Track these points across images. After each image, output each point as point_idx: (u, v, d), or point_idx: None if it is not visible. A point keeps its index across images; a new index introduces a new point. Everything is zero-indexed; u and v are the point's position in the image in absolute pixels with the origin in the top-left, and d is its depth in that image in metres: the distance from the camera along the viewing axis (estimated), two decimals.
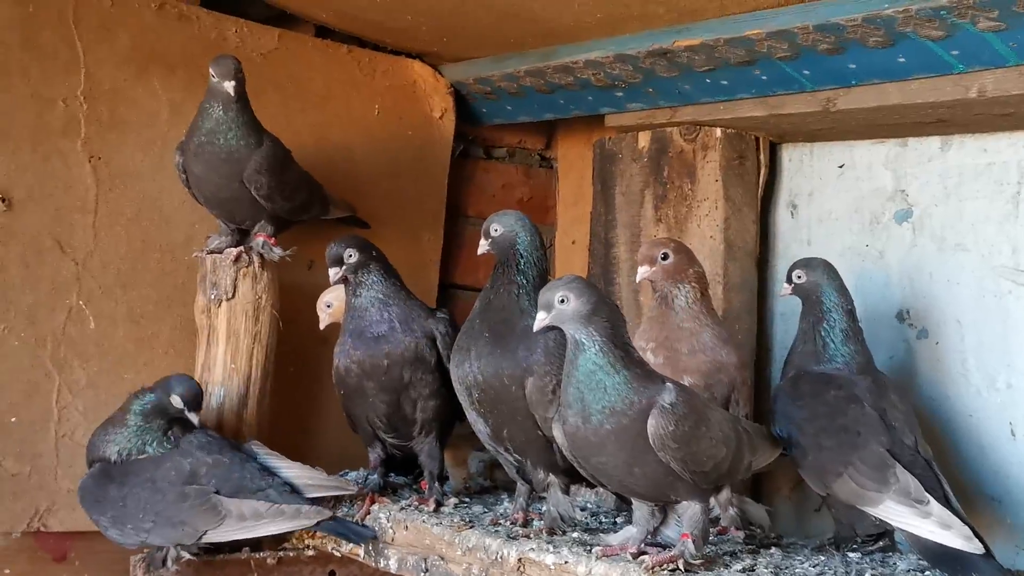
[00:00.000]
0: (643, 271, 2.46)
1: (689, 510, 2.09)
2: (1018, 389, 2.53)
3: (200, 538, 2.49)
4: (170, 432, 2.57)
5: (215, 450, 2.58)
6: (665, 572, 1.99)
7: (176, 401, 2.53)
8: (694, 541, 2.04)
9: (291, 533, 2.67)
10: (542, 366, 2.26)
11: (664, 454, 2.01)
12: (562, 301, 2.02)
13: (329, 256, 2.57)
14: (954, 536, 2.08)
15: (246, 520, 2.49)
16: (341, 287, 2.66)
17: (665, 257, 2.45)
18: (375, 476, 2.67)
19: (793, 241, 2.97)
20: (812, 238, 2.93)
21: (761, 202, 2.98)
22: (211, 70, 2.63)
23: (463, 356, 2.33)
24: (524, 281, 2.33)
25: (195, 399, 2.55)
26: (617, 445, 2.02)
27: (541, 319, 2.04)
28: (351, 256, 2.57)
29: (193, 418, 2.55)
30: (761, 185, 2.97)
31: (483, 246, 2.38)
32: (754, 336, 2.93)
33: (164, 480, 2.52)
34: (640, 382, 2.04)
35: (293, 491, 2.55)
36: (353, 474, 2.77)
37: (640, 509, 2.15)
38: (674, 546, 2.06)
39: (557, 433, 2.12)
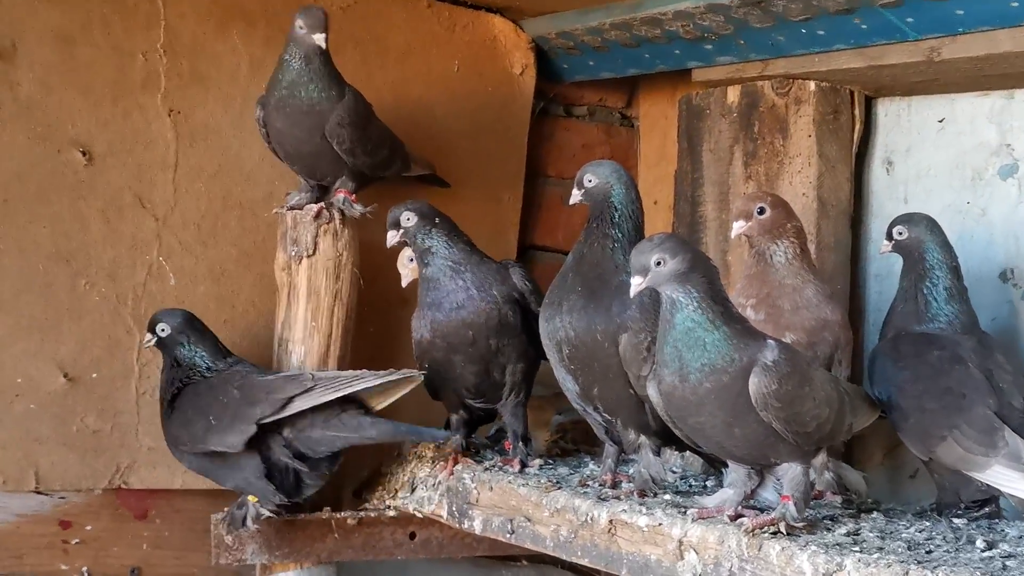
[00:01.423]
0: (739, 226, 2.38)
1: (790, 472, 2.01)
2: None
3: (286, 404, 2.45)
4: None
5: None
6: (766, 535, 1.91)
7: None
8: (795, 504, 1.97)
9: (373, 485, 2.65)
10: (637, 322, 2.19)
11: (766, 414, 1.93)
12: (658, 264, 1.94)
13: (388, 219, 2.54)
14: None
15: (337, 379, 2.48)
16: None
17: (762, 211, 2.37)
18: (458, 436, 2.63)
19: (889, 199, 2.86)
20: (909, 196, 2.82)
21: (855, 159, 2.88)
22: (298, 20, 2.58)
23: (554, 311, 2.26)
24: (619, 235, 2.25)
25: None
26: (716, 404, 1.95)
27: (637, 284, 1.96)
28: (409, 219, 2.52)
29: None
30: (856, 141, 2.86)
31: (575, 196, 2.31)
32: (847, 297, 2.84)
33: (238, 376, 2.54)
34: (741, 339, 1.96)
35: None
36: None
37: (737, 471, 2.08)
38: (774, 508, 1.99)
39: (652, 393, 2.06)
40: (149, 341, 2.59)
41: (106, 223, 2.77)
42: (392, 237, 2.54)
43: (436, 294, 2.54)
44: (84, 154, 2.75)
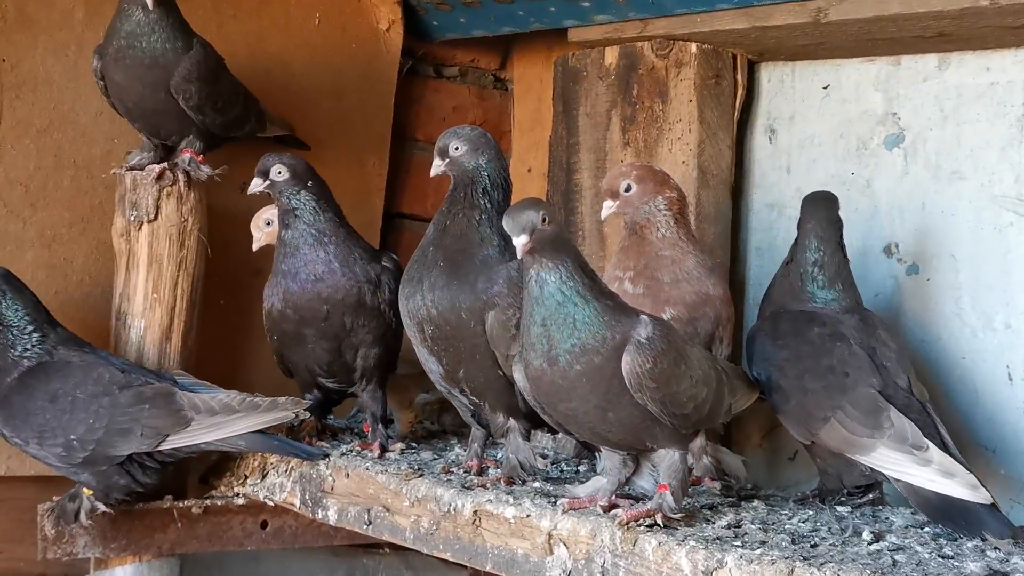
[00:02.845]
0: (608, 206, 2.26)
1: (667, 459, 1.88)
2: (1017, 330, 2.35)
3: (161, 443, 2.28)
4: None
5: (125, 362, 2.42)
6: (641, 528, 1.78)
7: None
8: (672, 493, 1.83)
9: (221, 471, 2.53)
10: (505, 298, 2.04)
11: (641, 395, 1.80)
12: (544, 221, 1.78)
13: (258, 167, 2.37)
14: (958, 485, 1.90)
15: (217, 415, 2.30)
16: None
17: (628, 188, 2.25)
18: (310, 419, 2.46)
19: (771, 169, 2.76)
20: (792, 165, 2.72)
21: (737, 126, 2.77)
22: None
23: (414, 288, 2.10)
24: (488, 205, 2.10)
25: None
26: (588, 388, 1.82)
27: (523, 243, 1.78)
28: (280, 173, 2.36)
29: None
30: (738, 108, 2.75)
31: (439, 167, 2.12)
32: (727, 271, 2.72)
33: (101, 382, 2.30)
34: (613, 315, 1.83)
35: None
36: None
37: (611, 458, 1.94)
38: (650, 498, 1.85)
39: (519, 378, 1.92)
40: None
41: None
42: (256, 185, 2.37)
43: (293, 261, 2.38)
44: None
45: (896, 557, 1.71)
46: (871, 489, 2.13)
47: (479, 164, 2.11)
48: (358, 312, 2.37)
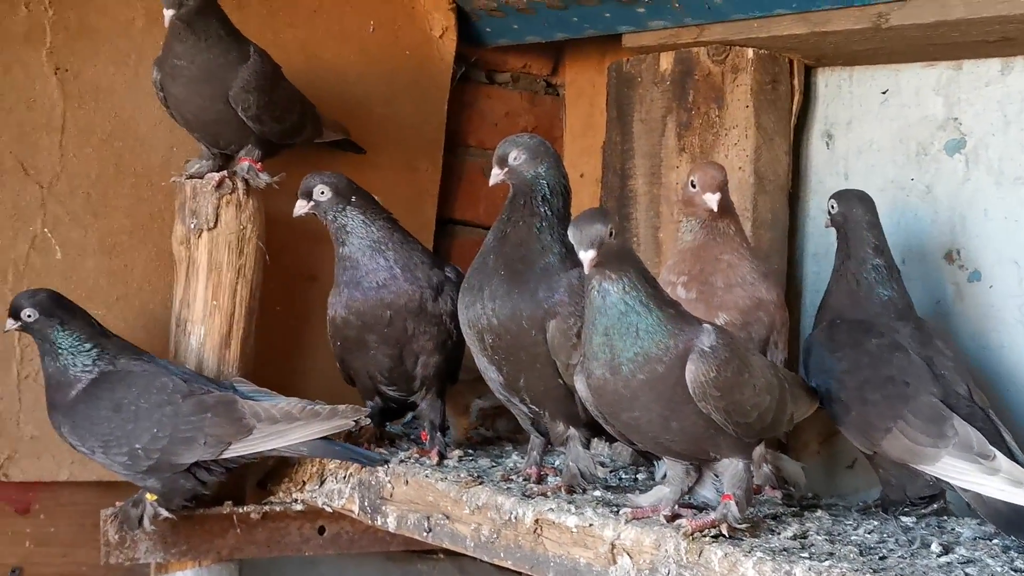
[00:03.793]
0: (713, 198, 2.21)
1: (730, 468, 1.88)
2: None
3: (224, 451, 2.32)
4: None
5: (185, 370, 2.46)
6: (707, 538, 1.78)
7: None
8: (737, 503, 1.83)
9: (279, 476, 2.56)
10: (566, 306, 2.04)
11: (705, 404, 1.80)
12: (611, 234, 1.79)
13: (301, 188, 2.41)
14: None
15: (278, 423, 2.33)
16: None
17: (726, 183, 2.24)
18: (370, 426, 2.48)
19: (828, 175, 2.75)
20: (850, 171, 2.71)
21: (794, 132, 2.76)
22: None
23: (474, 297, 2.10)
24: (548, 213, 2.09)
25: None
26: (652, 397, 1.82)
27: (591, 257, 1.78)
28: (323, 193, 2.39)
29: None
30: (795, 113, 2.75)
31: (497, 175, 2.12)
32: (784, 277, 2.73)
33: (165, 391, 2.34)
34: (675, 324, 1.83)
35: None
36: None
37: (674, 468, 1.94)
38: (713, 508, 1.85)
39: (580, 387, 1.92)
40: (11, 326, 2.37)
41: None
42: (301, 207, 2.40)
43: (354, 273, 2.41)
44: None
45: (967, 570, 1.70)
46: (935, 499, 2.11)
47: (538, 172, 2.10)
48: (419, 317, 2.39)
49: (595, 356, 1.84)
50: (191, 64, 2.48)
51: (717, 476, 1.93)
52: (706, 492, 1.95)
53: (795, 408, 2.05)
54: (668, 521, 1.87)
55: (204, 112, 2.54)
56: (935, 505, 2.11)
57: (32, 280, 2.61)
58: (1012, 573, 1.69)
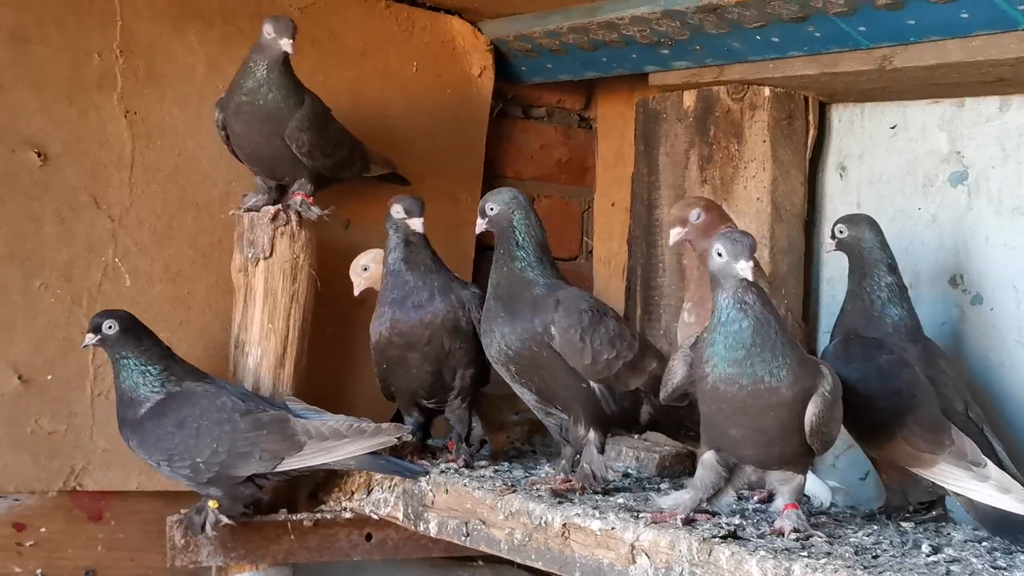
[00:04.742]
0: (676, 232, 2.41)
1: (794, 481, 2.04)
2: None
3: (277, 465, 2.48)
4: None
5: (242, 390, 2.61)
6: (716, 540, 1.93)
7: None
8: (799, 512, 2.01)
9: (329, 487, 2.69)
10: (561, 321, 2.28)
11: (812, 437, 1.97)
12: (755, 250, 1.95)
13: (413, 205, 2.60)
14: (1014, 500, 2.04)
15: (327, 440, 2.48)
16: (377, 251, 2.67)
17: (698, 216, 2.41)
18: (413, 440, 2.64)
19: (842, 204, 2.91)
20: (862, 201, 2.87)
21: (809, 164, 2.93)
22: (267, 26, 2.61)
23: (490, 337, 2.36)
24: (524, 255, 2.35)
25: None
26: (772, 421, 1.96)
27: (747, 267, 1.92)
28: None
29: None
30: (810, 146, 2.92)
31: (480, 225, 2.40)
32: (801, 301, 2.89)
33: (224, 410, 2.50)
34: (799, 354, 1.97)
35: None
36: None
37: (706, 476, 2.07)
38: (725, 514, 2.04)
39: (680, 368, 2.07)
40: (91, 340, 2.51)
41: (61, 223, 2.75)
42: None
43: (403, 290, 2.59)
44: (39, 154, 2.72)
45: (951, 568, 1.85)
46: (935, 506, 2.26)
47: (511, 220, 2.36)
48: (455, 334, 2.58)
49: (726, 367, 1.94)
50: (256, 102, 2.64)
51: (775, 487, 2.07)
52: (727, 499, 2.11)
53: None
54: (683, 524, 2.02)
55: (262, 148, 2.71)
56: (935, 512, 2.26)
57: (104, 305, 2.70)
58: (992, 570, 1.85)
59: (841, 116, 2.92)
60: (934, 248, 2.70)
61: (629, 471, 2.67)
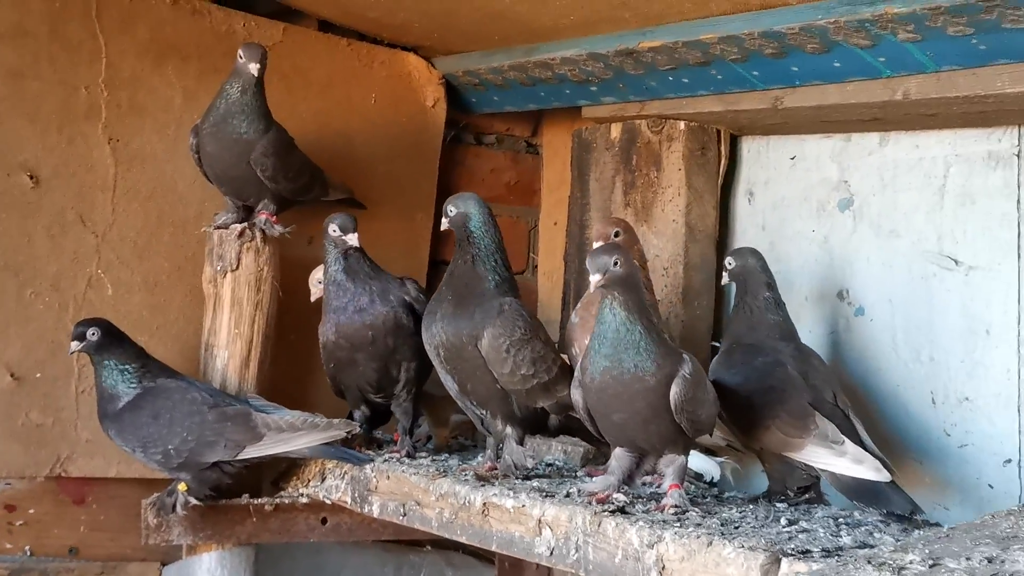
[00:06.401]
0: (596, 280, 2.64)
1: (677, 462, 2.32)
2: (939, 362, 2.74)
3: (239, 453, 2.71)
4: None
5: (211, 387, 2.84)
6: (604, 513, 2.23)
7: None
8: (681, 490, 2.29)
9: (289, 475, 2.93)
10: (496, 327, 2.49)
11: (679, 415, 2.24)
12: (616, 264, 2.20)
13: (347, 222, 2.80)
14: (866, 469, 2.33)
15: (284, 432, 2.72)
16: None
17: (617, 234, 2.68)
18: (360, 432, 2.90)
19: (750, 226, 3.17)
20: (767, 223, 3.13)
21: (721, 190, 3.18)
22: (240, 52, 2.81)
23: (431, 319, 2.57)
24: (478, 251, 2.54)
25: None
26: (642, 404, 2.23)
27: (596, 280, 2.19)
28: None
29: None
30: (721, 174, 3.17)
31: (444, 223, 2.61)
32: (712, 312, 3.17)
33: (194, 404, 2.73)
34: (664, 347, 2.25)
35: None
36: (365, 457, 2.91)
37: (622, 460, 2.34)
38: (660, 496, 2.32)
39: (575, 395, 2.33)
40: (76, 348, 2.70)
41: (50, 239, 2.95)
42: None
43: (342, 299, 2.81)
44: (31, 177, 2.93)
45: (799, 536, 2.13)
46: (808, 490, 2.54)
47: (467, 219, 2.57)
48: (397, 332, 2.80)
49: (601, 361, 2.22)
50: (228, 124, 2.82)
51: (644, 472, 2.37)
52: (638, 481, 2.39)
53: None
54: (599, 503, 2.27)
55: (230, 169, 2.89)
56: (807, 495, 2.53)
57: (89, 312, 2.92)
58: (830, 537, 2.14)
59: (749, 147, 3.18)
60: (825, 265, 2.97)
61: (556, 462, 2.93)
